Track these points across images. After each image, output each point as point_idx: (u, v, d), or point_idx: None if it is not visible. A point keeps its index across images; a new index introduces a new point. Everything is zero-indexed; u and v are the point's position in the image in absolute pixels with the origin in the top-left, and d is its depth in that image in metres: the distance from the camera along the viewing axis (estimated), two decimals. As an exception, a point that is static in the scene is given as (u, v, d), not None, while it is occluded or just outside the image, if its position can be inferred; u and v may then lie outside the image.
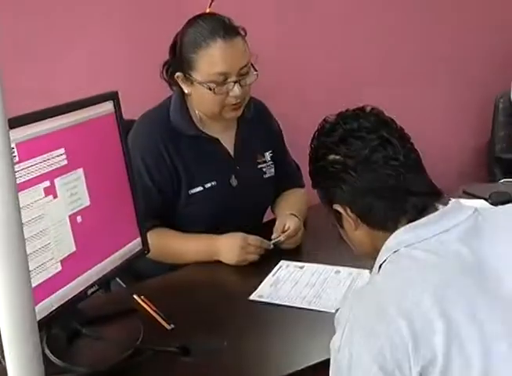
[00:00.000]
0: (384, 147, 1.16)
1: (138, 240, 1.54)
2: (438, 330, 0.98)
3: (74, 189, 1.34)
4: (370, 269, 1.49)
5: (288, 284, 1.68)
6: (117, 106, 1.46)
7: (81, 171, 1.35)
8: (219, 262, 1.80)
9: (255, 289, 1.65)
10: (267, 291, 1.65)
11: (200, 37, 1.76)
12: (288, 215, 1.89)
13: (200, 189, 1.88)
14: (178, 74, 1.83)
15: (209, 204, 1.89)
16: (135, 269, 1.84)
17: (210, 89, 1.77)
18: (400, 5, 3.06)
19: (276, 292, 1.64)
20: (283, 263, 1.79)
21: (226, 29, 1.76)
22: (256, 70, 1.83)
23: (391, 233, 1.15)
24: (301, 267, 1.77)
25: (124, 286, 1.83)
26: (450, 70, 3.21)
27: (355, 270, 1.72)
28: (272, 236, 1.82)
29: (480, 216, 1.14)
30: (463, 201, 1.20)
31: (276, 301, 1.60)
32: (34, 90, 2.19)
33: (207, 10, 1.86)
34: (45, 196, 1.27)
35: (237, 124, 1.95)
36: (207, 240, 1.82)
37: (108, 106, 1.45)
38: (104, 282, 1.44)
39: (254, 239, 1.78)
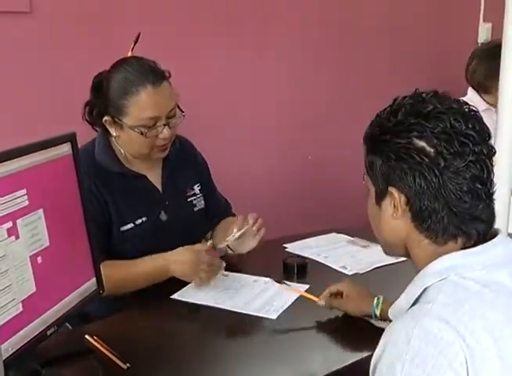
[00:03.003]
0: (480, 165, 1.07)
1: (94, 280, 1.55)
2: (495, 371, 0.96)
3: (35, 230, 1.34)
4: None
5: (207, 288, 1.85)
6: (75, 147, 1.49)
7: (41, 211, 1.36)
8: (159, 303, 1.81)
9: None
10: (189, 292, 1.83)
11: (128, 83, 1.79)
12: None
13: (130, 226, 1.91)
14: (106, 118, 1.85)
15: (141, 241, 1.92)
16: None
17: (141, 133, 1.81)
18: (339, 59, 3.27)
19: (195, 294, 1.82)
20: None
21: (154, 74, 1.80)
22: (182, 111, 1.89)
23: (436, 246, 1.10)
24: (226, 275, 1.94)
25: (71, 327, 1.81)
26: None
27: (269, 280, 1.90)
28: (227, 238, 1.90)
29: None
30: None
31: (192, 301, 1.79)
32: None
33: (129, 54, 1.88)
34: (8, 237, 1.27)
35: (162, 161, 1.99)
36: (157, 260, 1.85)
37: (66, 148, 1.47)
38: (62, 322, 1.44)
39: (205, 255, 1.83)
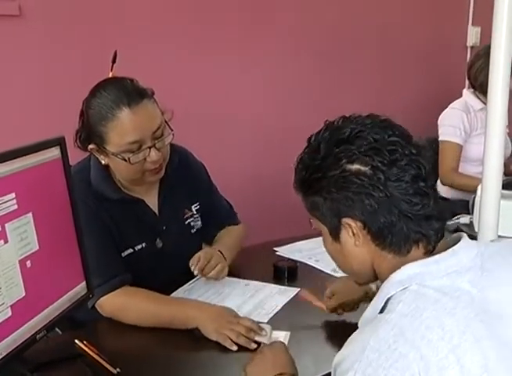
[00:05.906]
0: (415, 165, 1.09)
1: (83, 284, 1.54)
2: None
3: (24, 234, 1.34)
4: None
5: (199, 292, 1.86)
6: (64, 151, 1.48)
7: (30, 215, 1.36)
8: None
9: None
10: (180, 295, 1.82)
11: (104, 109, 1.68)
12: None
13: (130, 251, 1.84)
14: (90, 146, 1.76)
15: (139, 266, 1.84)
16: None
17: (125, 160, 1.71)
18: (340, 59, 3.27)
19: (188, 297, 1.82)
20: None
21: (130, 95, 1.68)
22: (172, 130, 1.77)
23: (400, 257, 1.11)
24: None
25: (60, 332, 1.80)
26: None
27: (260, 284, 1.91)
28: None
29: (485, 254, 1.12)
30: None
31: None
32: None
33: (110, 75, 1.78)
34: (-3, 241, 1.26)
35: (159, 182, 1.90)
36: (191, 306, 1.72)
37: (55, 152, 1.46)
38: (52, 327, 1.43)
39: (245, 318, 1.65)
